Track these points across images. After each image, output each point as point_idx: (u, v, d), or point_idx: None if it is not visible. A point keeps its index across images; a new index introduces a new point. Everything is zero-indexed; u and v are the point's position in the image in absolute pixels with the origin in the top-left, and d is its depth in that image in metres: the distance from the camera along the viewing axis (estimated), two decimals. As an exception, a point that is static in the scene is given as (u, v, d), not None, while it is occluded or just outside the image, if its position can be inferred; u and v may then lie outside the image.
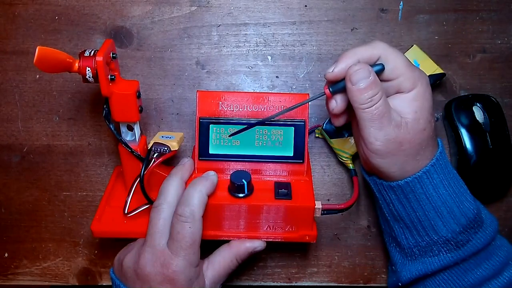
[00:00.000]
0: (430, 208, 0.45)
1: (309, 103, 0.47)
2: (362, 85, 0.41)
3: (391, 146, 0.42)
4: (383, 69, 0.42)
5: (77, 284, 0.57)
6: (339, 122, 0.47)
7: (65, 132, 0.56)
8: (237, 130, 0.47)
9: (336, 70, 0.43)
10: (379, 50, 0.43)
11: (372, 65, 0.42)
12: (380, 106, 0.41)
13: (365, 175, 0.49)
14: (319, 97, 0.45)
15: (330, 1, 0.56)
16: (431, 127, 0.44)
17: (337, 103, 0.45)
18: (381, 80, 0.42)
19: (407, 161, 0.43)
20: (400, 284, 0.49)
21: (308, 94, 0.48)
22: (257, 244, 0.47)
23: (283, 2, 0.56)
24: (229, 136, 0.47)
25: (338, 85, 0.43)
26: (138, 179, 0.47)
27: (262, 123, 0.47)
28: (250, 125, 0.47)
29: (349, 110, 0.45)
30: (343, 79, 0.43)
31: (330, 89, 0.44)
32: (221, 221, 0.47)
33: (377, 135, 0.42)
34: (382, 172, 0.45)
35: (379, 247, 0.57)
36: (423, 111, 0.43)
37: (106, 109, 0.46)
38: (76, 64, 0.43)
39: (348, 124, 0.48)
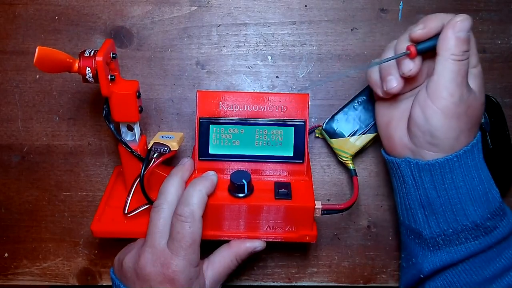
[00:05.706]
0: (464, 191, 0.44)
1: (309, 103, 0.47)
2: (463, 35, 0.42)
3: (461, 107, 0.42)
4: None
5: (77, 284, 0.57)
6: (398, 88, 0.45)
7: (65, 132, 0.56)
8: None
9: (426, 29, 0.43)
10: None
11: None
12: (467, 64, 0.42)
13: (394, 158, 0.47)
14: (401, 56, 0.44)
15: (330, 1, 0.56)
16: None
17: (415, 64, 0.43)
18: None
19: (463, 132, 0.44)
20: (422, 276, 0.47)
21: (308, 94, 0.48)
22: (257, 244, 0.47)
23: (283, 2, 0.56)
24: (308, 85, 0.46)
25: (426, 44, 0.43)
26: (138, 179, 0.47)
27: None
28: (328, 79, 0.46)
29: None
30: (429, 39, 0.43)
31: (418, 47, 0.43)
32: (221, 221, 0.47)
33: (454, 91, 0.42)
34: (435, 136, 0.43)
35: (379, 247, 0.57)
36: (482, 89, 0.45)
37: (106, 109, 0.46)
38: (76, 64, 0.43)
39: (350, 123, 0.48)
